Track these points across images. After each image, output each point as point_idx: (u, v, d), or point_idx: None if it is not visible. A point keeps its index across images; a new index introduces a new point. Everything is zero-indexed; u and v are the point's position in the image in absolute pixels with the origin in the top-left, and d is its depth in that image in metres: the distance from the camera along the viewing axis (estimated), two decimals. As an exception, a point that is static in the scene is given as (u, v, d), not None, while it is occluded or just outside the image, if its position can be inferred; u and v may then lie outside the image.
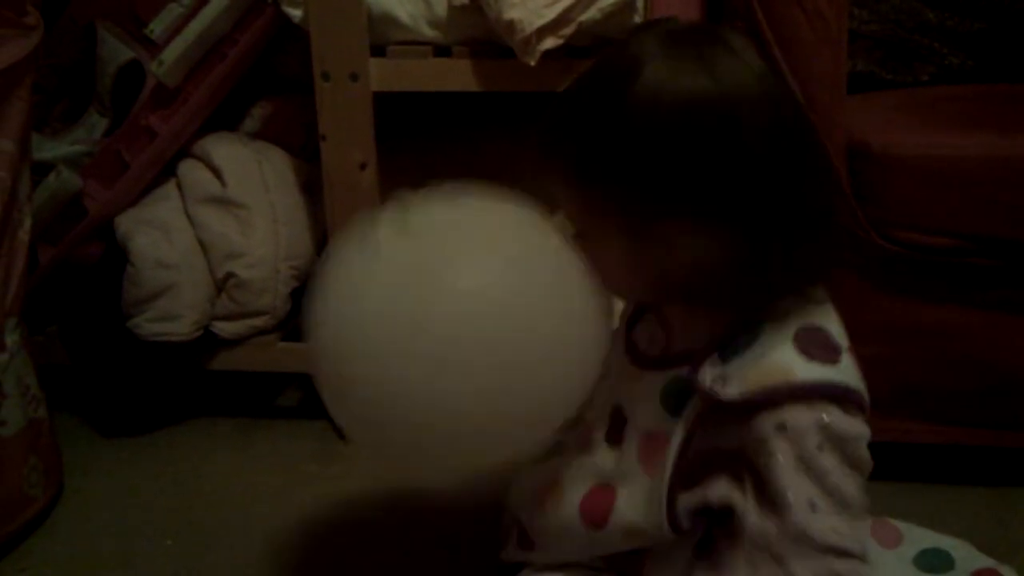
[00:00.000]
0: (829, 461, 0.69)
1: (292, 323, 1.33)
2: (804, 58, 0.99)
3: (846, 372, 0.72)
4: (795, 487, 0.69)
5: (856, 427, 0.71)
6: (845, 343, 0.74)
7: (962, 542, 0.92)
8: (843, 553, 0.69)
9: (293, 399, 1.43)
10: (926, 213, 1.02)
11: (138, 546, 1.11)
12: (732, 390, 0.70)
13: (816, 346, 0.71)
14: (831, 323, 0.74)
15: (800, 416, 0.69)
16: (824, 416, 0.69)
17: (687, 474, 0.74)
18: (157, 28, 1.25)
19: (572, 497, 0.82)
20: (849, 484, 0.70)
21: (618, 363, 0.84)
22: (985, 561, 0.91)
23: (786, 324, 0.72)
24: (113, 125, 1.32)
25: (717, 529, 0.76)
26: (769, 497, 0.70)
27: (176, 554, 1.10)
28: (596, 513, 0.80)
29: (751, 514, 0.71)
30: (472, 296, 0.70)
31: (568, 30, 1.06)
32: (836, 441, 0.69)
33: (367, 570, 1.07)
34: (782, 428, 0.69)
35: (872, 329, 1.06)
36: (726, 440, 0.73)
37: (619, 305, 0.85)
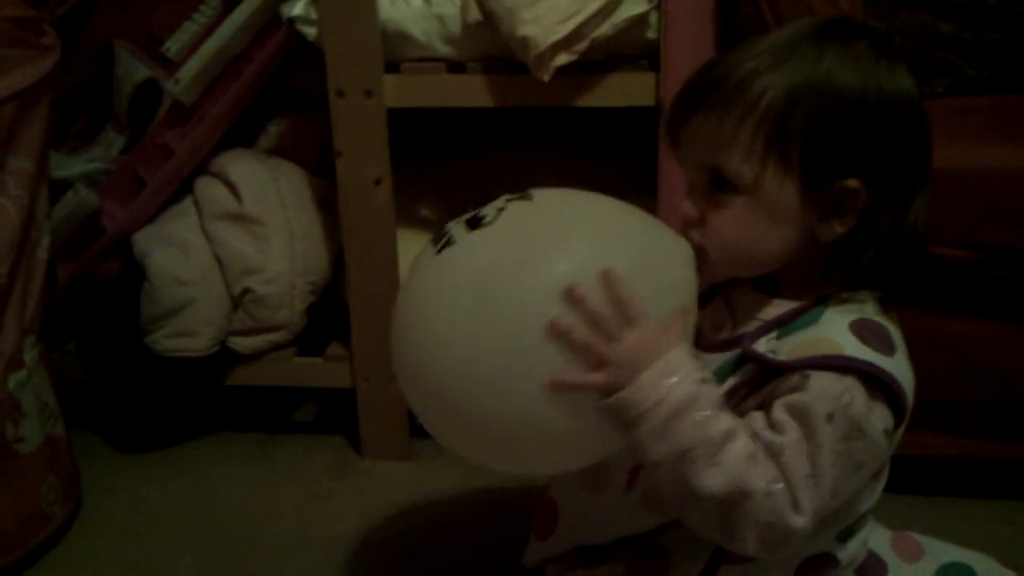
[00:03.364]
0: (827, 435, 0.68)
1: (308, 338, 1.33)
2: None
3: (897, 366, 0.71)
4: (785, 429, 0.68)
5: (876, 422, 0.69)
6: (903, 347, 0.74)
7: (984, 556, 0.91)
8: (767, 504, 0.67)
9: (310, 414, 1.44)
10: (943, 225, 1.01)
11: (156, 562, 1.11)
12: (781, 356, 0.71)
13: (872, 335, 0.72)
14: (892, 328, 0.75)
15: (826, 380, 0.68)
16: (849, 393, 0.68)
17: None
18: (173, 47, 1.26)
19: (619, 472, 0.84)
20: (833, 467, 0.68)
21: None
22: (1008, 575, 0.90)
23: (847, 314, 0.74)
24: (130, 143, 1.33)
25: None
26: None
27: (194, 570, 1.10)
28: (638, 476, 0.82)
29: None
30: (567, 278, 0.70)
31: (581, 46, 1.07)
32: (847, 421, 0.68)
33: (384, 586, 1.07)
34: (806, 379, 0.69)
35: (890, 342, 1.06)
36: (754, 403, 0.73)
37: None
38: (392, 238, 1.21)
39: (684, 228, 0.77)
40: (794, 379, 0.70)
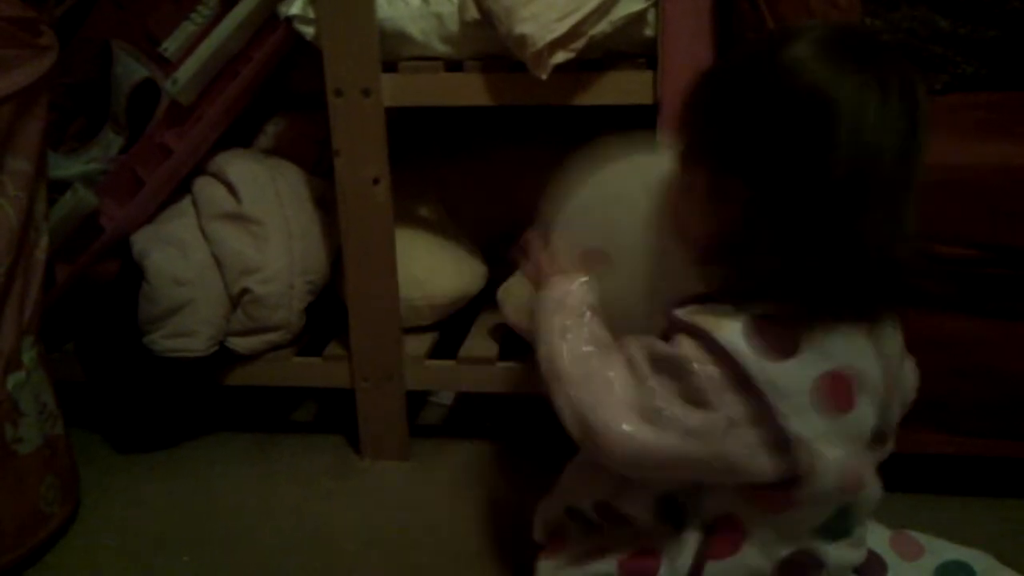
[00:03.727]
0: (661, 382, 0.75)
1: (307, 338, 1.33)
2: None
3: (775, 368, 0.73)
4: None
5: (714, 382, 0.74)
6: (824, 364, 0.74)
7: (984, 554, 0.91)
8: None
9: (309, 414, 1.44)
10: (943, 223, 1.01)
11: (155, 562, 1.11)
12: (679, 313, 0.77)
13: (767, 333, 0.73)
14: (825, 337, 0.74)
15: (684, 343, 0.75)
16: (694, 351, 0.74)
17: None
18: (171, 47, 1.26)
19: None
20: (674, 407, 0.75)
21: None
22: (1007, 574, 0.90)
23: (758, 308, 0.74)
24: (128, 143, 1.33)
25: (710, 515, 0.81)
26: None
27: (193, 569, 1.10)
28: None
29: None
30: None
31: (579, 44, 1.06)
32: (683, 375, 0.74)
33: (383, 585, 1.07)
34: (670, 339, 0.77)
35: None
36: None
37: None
38: (391, 237, 1.21)
39: None
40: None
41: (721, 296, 0.76)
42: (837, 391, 0.75)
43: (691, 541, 0.81)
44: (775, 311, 0.74)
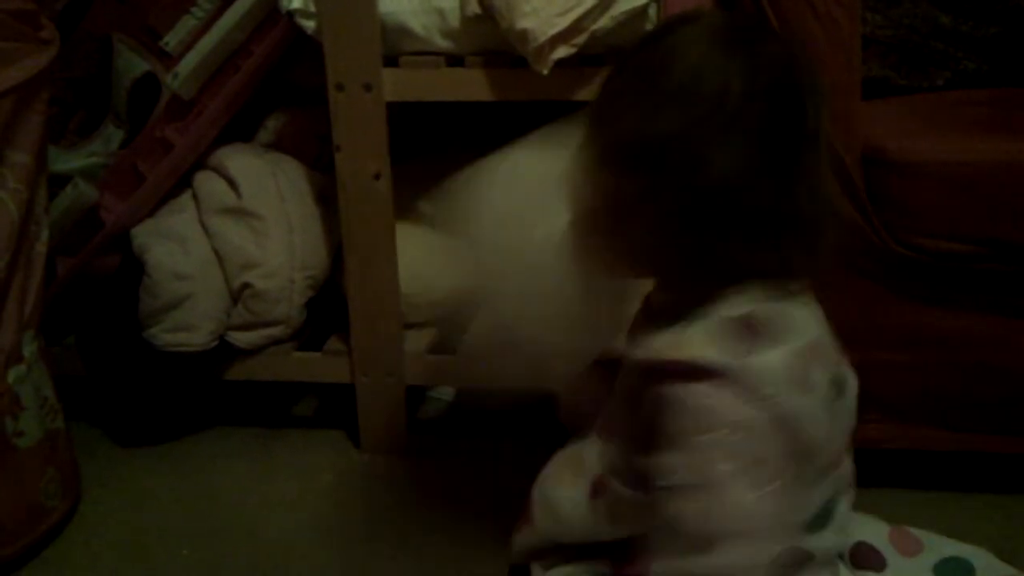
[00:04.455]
0: (698, 440, 0.70)
1: (308, 332, 1.33)
2: (817, 63, 0.99)
3: (755, 361, 0.72)
4: (664, 459, 0.72)
5: (732, 411, 0.71)
6: (790, 341, 0.73)
7: (983, 551, 0.91)
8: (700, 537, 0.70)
9: (309, 409, 1.44)
10: (942, 219, 1.01)
11: (155, 556, 1.11)
12: (640, 352, 0.75)
13: (737, 334, 0.73)
14: (784, 317, 0.74)
15: (677, 391, 0.71)
16: (696, 395, 0.71)
17: (640, 438, 0.76)
18: (172, 41, 1.26)
19: (588, 475, 0.86)
20: (714, 461, 0.70)
21: None
22: (1006, 570, 0.90)
23: (718, 310, 0.74)
24: (129, 137, 1.33)
25: None
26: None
27: (193, 563, 1.10)
28: (600, 488, 0.84)
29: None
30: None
31: (581, 39, 1.06)
32: (705, 419, 0.71)
33: (383, 580, 1.07)
34: (661, 398, 0.72)
35: (889, 336, 1.06)
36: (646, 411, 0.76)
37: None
38: (391, 233, 1.21)
39: None
40: (654, 396, 0.72)
41: (663, 309, 0.76)
42: (808, 366, 0.74)
43: None
44: (734, 305, 0.74)
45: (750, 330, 0.73)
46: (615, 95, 0.76)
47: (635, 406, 0.77)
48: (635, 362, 0.77)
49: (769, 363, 0.73)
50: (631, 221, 0.74)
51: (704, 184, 0.70)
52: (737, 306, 0.74)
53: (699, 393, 0.71)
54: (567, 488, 0.87)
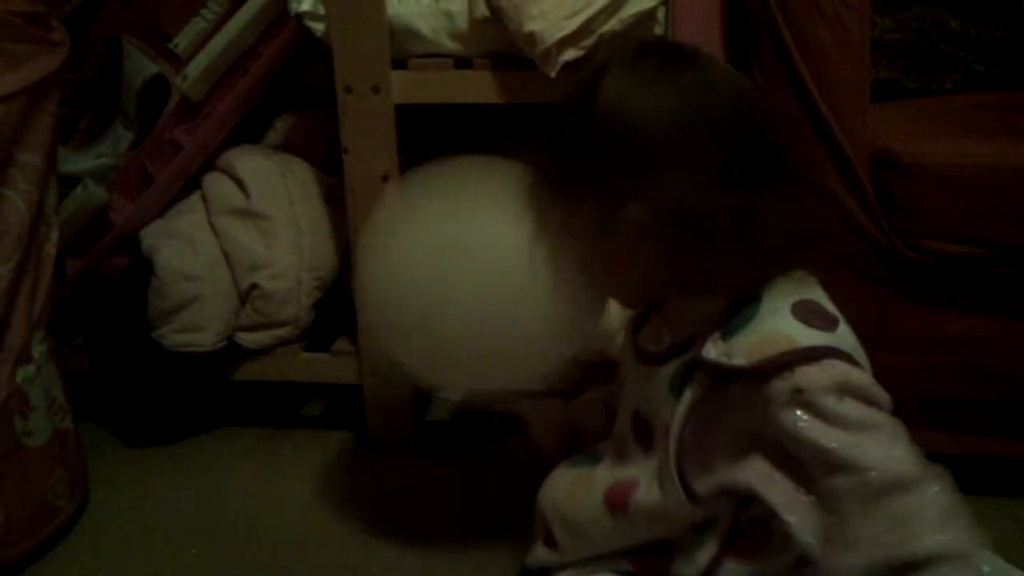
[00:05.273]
0: (852, 408, 0.71)
1: (316, 333, 1.33)
2: (826, 66, 0.99)
3: (843, 339, 0.74)
4: (838, 443, 0.71)
5: (865, 376, 0.73)
6: (839, 315, 0.76)
7: (989, 554, 0.91)
8: (911, 481, 0.74)
9: (317, 409, 1.44)
10: (950, 222, 1.01)
11: (163, 556, 1.12)
12: (739, 360, 0.73)
13: (813, 315, 0.74)
14: (821, 297, 0.77)
15: (813, 376, 0.71)
16: (835, 372, 0.71)
17: (702, 454, 0.77)
18: (181, 42, 1.26)
19: (598, 488, 0.86)
20: (877, 417, 0.72)
21: (631, 370, 0.87)
22: (1013, 573, 0.89)
23: (782, 298, 0.75)
24: (138, 139, 1.34)
25: (745, 516, 0.79)
26: (824, 466, 0.72)
27: (201, 563, 1.10)
28: (618, 498, 0.83)
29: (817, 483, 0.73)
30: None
31: (589, 42, 1.06)
32: (853, 391, 0.72)
33: (390, 580, 1.07)
34: (799, 392, 0.71)
35: (896, 338, 1.06)
36: (738, 418, 0.75)
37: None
38: (399, 234, 1.21)
39: None
40: (782, 398, 0.71)
41: (702, 319, 0.77)
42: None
43: (710, 542, 0.80)
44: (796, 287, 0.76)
45: (814, 311, 0.75)
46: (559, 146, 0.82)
47: (746, 413, 0.75)
48: (728, 370, 0.74)
49: (849, 337, 0.75)
50: (635, 259, 0.77)
51: (684, 204, 0.73)
52: (786, 294, 0.75)
53: (838, 369, 0.72)
54: (588, 508, 0.87)
